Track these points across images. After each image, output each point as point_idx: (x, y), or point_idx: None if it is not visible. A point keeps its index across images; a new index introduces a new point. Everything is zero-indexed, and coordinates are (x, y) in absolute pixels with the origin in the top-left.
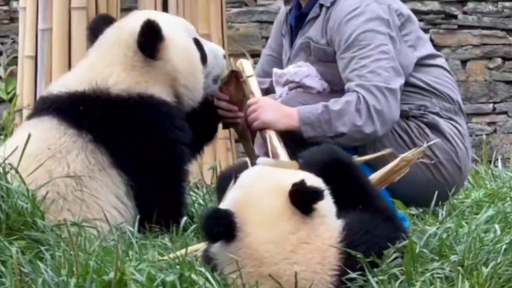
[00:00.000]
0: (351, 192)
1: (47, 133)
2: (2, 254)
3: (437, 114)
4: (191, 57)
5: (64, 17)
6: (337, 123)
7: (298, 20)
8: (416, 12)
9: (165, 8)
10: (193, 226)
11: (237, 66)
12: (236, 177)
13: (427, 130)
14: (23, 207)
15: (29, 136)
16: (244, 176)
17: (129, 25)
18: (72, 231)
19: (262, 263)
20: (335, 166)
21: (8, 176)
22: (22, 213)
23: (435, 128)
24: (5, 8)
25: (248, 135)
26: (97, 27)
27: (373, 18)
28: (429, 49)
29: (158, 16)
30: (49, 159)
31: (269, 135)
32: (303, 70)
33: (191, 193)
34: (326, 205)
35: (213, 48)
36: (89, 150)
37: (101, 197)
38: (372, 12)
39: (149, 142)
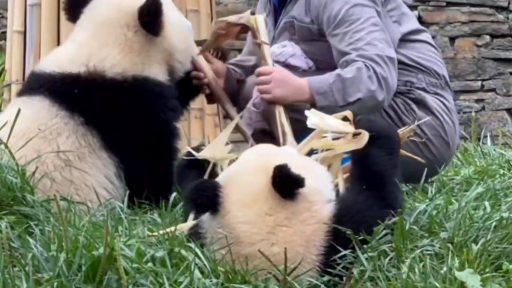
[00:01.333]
0: (372, 171)
1: (38, 113)
2: None
3: (423, 89)
4: (184, 29)
5: None
6: (351, 90)
7: None
8: None
9: None
10: (182, 202)
11: (250, 22)
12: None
13: (414, 106)
14: (13, 182)
15: (19, 111)
16: (249, 150)
17: (128, 5)
18: (62, 207)
19: (239, 243)
20: (380, 140)
21: None
22: (12, 188)
23: (421, 104)
24: None
25: (222, 94)
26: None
27: None
28: (414, 24)
29: None
30: (39, 140)
31: (278, 112)
32: (288, 50)
33: None
34: (317, 191)
35: None
36: (80, 132)
37: (90, 178)
38: None
39: (142, 123)
